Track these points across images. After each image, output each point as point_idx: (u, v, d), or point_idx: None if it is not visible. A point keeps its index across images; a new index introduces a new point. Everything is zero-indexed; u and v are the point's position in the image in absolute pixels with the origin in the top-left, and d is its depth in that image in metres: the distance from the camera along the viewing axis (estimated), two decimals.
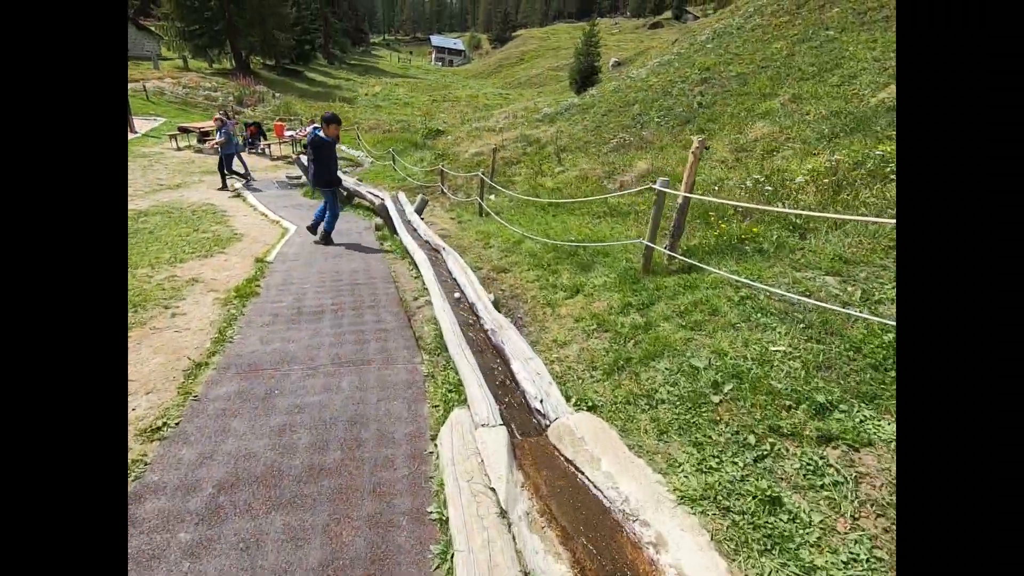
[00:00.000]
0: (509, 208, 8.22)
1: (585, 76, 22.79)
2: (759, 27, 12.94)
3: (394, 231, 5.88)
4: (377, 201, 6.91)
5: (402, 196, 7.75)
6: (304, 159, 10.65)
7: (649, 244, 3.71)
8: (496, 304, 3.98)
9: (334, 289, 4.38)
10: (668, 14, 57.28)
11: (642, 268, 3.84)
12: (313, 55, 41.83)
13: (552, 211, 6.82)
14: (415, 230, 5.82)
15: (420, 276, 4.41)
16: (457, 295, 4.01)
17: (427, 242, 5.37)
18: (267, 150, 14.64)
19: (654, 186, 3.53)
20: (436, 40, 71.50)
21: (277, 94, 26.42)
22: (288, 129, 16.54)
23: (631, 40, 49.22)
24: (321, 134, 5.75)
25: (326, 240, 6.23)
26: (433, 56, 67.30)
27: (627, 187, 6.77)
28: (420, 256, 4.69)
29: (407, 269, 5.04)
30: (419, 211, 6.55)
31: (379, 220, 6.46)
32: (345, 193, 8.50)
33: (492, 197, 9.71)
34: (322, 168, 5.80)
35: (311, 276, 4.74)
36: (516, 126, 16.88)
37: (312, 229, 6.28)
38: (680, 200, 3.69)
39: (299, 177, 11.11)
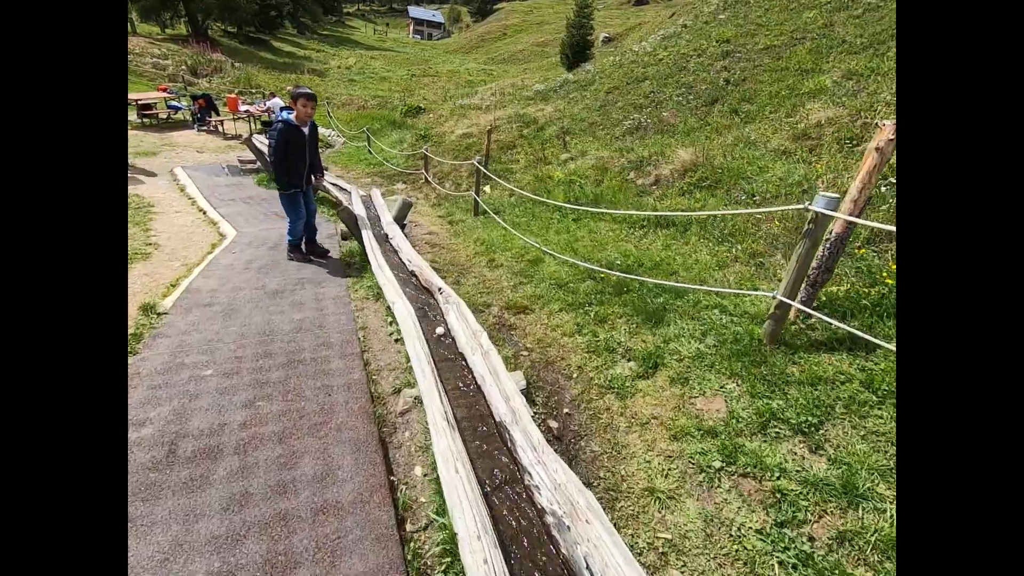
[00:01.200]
0: (511, 205, 6.61)
1: (577, 51, 20.83)
2: None
3: (364, 254, 4.06)
4: (343, 199, 5.21)
5: (376, 195, 5.75)
6: (259, 142, 8.69)
7: (784, 300, 2.21)
8: (527, 387, 2.46)
9: (255, 380, 2.47)
10: None
11: (768, 335, 2.36)
12: (280, 23, 38.24)
13: (571, 213, 5.26)
14: (396, 252, 3.96)
15: (402, 339, 2.75)
16: (468, 385, 2.39)
17: (413, 274, 3.56)
18: (219, 127, 12.45)
19: (809, 206, 2.02)
20: (414, 12, 67.12)
21: (238, 64, 23.52)
22: (244, 103, 14.26)
23: (617, 16, 47.01)
24: (290, 117, 3.98)
25: (299, 252, 4.52)
26: (411, 29, 63.16)
27: (665, 181, 5.27)
28: (403, 311, 2.79)
29: (382, 317, 3.29)
30: (400, 219, 4.68)
31: (345, 205, 4.68)
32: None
33: (487, 189, 8.05)
34: (291, 164, 4.04)
35: (222, 348, 2.77)
36: (506, 104, 15.02)
37: (299, 247, 4.56)
38: (837, 229, 2.20)
39: (254, 161, 9.16)
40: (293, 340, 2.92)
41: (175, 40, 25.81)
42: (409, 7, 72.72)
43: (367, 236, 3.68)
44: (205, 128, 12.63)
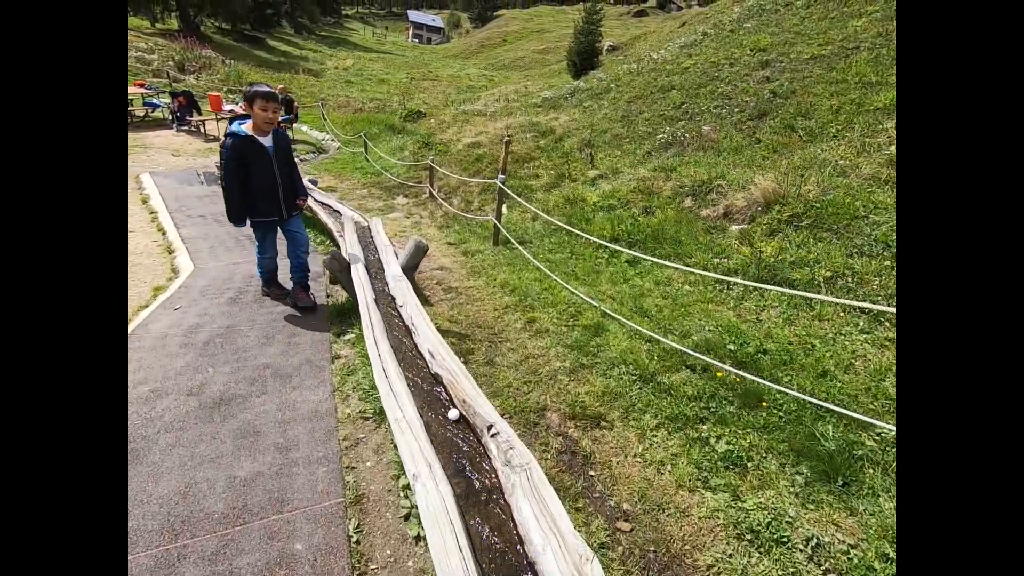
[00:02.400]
0: (537, 233, 5.44)
1: (585, 58, 19.79)
2: (815, 1, 10.42)
3: (360, 312, 2.53)
4: (335, 229, 3.96)
5: (378, 228, 3.89)
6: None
7: None
8: None
9: None
10: (652, 2, 55.30)
11: None
12: (276, 21, 36.85)
13: (621, 251, 4.11)
14: (409, 331, 2.32)
15: (427, 541, 1.28)
16: None
17: (438, 379, 1.97)
18: (200, 127, 11.14)
19: None
20: (414, 16, 65.88)
21: (228, 60, 22.11)
22: (229, 102, 12.94)
23: (617, 26, 46.46)
24: (245, 129, 2.83)
25: (276, 288, 3.41)
26: (411, 32, 61.89)
27: (740, 215, 4.13)
28: (433, 493, 1.32)
29: (389, 466, 1.94)
30: (411, 268, 3.24)
31: (335, 250, 3.45)
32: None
33: (504, 209, 6.88)
34: (254, 192, 2.94)
35: None
36: (512, 111, 13.92)
37: (276, 281, 3.49)
38: None
39: None
40: (224, 551, 1.58)
41: (164, 34, 24.35)
42: (408, 11, 71.82)
43: (365, 303, 2.41)
44: (185, 128, 11.32)
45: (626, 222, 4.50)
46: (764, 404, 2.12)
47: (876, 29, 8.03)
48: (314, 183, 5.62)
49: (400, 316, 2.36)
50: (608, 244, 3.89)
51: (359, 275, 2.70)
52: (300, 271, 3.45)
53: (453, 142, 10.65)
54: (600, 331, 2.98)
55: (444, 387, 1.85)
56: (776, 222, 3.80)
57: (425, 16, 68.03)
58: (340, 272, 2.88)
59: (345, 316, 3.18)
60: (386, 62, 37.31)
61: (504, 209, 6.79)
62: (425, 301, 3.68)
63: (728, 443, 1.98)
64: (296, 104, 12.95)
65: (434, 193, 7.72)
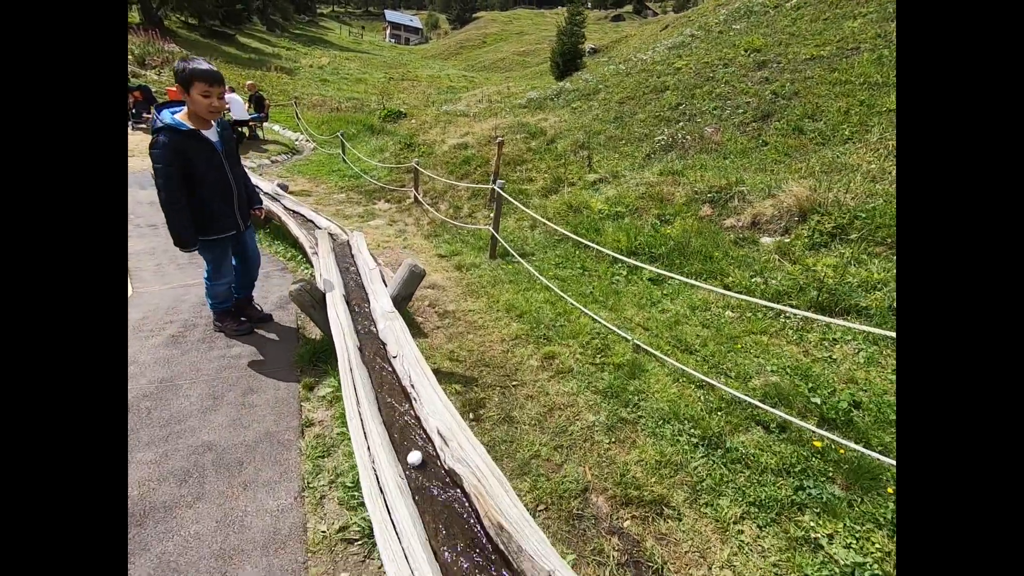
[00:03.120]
0: (539, 243, 4.88)
1: (568, 59, 19.39)
2: (805, 3, 10.23)
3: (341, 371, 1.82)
4: (308, 245, 3.25)
5: (360, 244, 3.20)
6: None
7: None
8: None
9: None
10: (629, 7, 56.02)
11: None
12: (247, 18, 35.24)
13: (641, 268, 3.58)
14: (408, 396, 1.63)
15: None
16: None
17: (454, 479, 1.30)
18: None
19: None
20: (391, 16, 64.51)
21: (192, 55, 20.75)
22: None
23: (595, 30, 46.53)
24: (180, 118, 2.17)
25: (231, 321, 2.73)
26: (388, 32, 60.50)
27: (771, 226, 3.65)
28: None
29: None
30: (404, 298, 2.57)
31: (302, 282, 2.41)
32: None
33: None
34: (201, 199, 2.30)
35: None
36: (496, 112, 13.33)
37: (231, 312, 2.82)
38: None
39: None
40: None
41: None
42: (386, 11, 70.46)
43: (347, 356, 1.74)
44: (142, 126, 10.30)
45: (644, 233, 3.97)
46: (891, 491, 1.60)
47: (874, 30, 7.80)
48: (284, 188, 4.91)
49: (394, 371, 1.74)
50: (625, 258, 3.33)
51: (338, 314, 2.04)
52: (250, 288, 2.84)
53: (437, 143, 9.99)
54: (637, 371, 2.43)
55: (465, 494, 1.26)
56: (817, 234, 3.33)
57: (403, 16, 66.86)
58: (313, 308, 2.23)
59: (319, 356, 2.53)
60: (363, 61, 36.18)
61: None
62: (417, 331, 3.06)
63: (851, 547, 1.45)
64: (267, 102, 12.05)
65: (419, 198, 7.07)
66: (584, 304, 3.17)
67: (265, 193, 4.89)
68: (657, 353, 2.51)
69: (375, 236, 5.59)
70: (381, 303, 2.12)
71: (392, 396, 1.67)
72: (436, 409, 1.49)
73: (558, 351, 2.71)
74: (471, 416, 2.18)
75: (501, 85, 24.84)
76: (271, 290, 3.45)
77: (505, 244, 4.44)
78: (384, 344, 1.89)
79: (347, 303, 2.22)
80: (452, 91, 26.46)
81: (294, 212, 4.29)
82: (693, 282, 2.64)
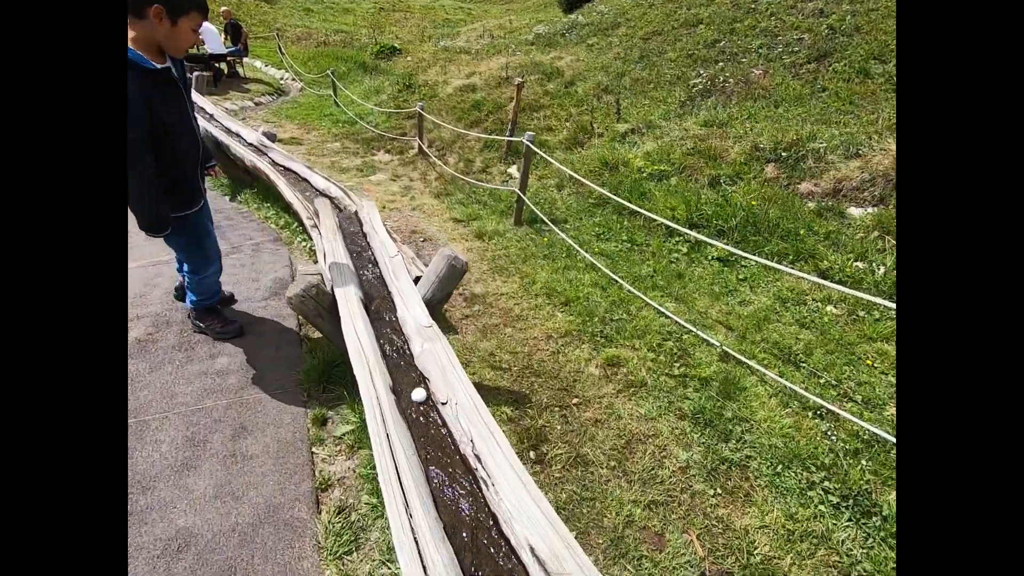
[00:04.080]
0: (571, 208, 4.21)
1: None
2: None
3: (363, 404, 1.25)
4: (305, 214, 2.59)
5: (375, 223, 2.38)
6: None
7: None
8: None
9: None
10: None
11: None
12: None
13: (695, 242, 2.98)
14: (467, 465, 1.11)
15: None
16: None
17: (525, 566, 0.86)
18: None
19: None
20: None
21: None
22: None
23: None
24: (137, 49, 1.44)
25: (216, 319, 2.14)
26: None
27: (855, 193, 2.97)
28: None
29: None
30: (440, 301, 1.85)
31: (307, 282, 1.68)
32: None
33: (512, 170, 5.56)
34: (175, 158, 1.68)
35: None
36: (500, 49, 11.95)
37: (216, 310, 2.22)
38: None
39: None
40: None
41: None
42: None
43: (376, 403, 1.15)
44: None
45: (706, 200, 3.32)
46: None
47: None
48: (272, 138, 4.13)
49: (443, 423, 1.20)
50: (686, 230, 2.70)
51: (359, 336, 1.39)
52: (190, 283, 2.22)
53: (440, 84, 8.88)
54: (732, 389, 1.91)
55: None
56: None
57: None
58: (320, 318, 1.61)
59: (330, 373, 1.96)
60: None
61: (513, 171, 5.45)
62: (443, 322, 2.49)
63: None
64: (245, 31, 10.62)
65: (424, 148, 6.24)
66: (644, 291, 2.60)
67: (249, 144, 4.10)
68: (753, 364, 1.98)
69: (379, 195, 4.88)
70: (414, 313, 1.53)
71: (441, 461, 1.13)
72: (523, 506, 0.96)
73: (623, 356, 2.18)
74: (531, 456, 1.68)
75: (503, 19, 22.53)
76: (262, 268, 2.82)
77: (535, 208, 3.78)
78: (425, 378, 1.34)
79: (366, 308, 1.62)
80: (449, 23, 24.11)
81: (285, 169, 3.56)
82: (778, 266, 2.07)
